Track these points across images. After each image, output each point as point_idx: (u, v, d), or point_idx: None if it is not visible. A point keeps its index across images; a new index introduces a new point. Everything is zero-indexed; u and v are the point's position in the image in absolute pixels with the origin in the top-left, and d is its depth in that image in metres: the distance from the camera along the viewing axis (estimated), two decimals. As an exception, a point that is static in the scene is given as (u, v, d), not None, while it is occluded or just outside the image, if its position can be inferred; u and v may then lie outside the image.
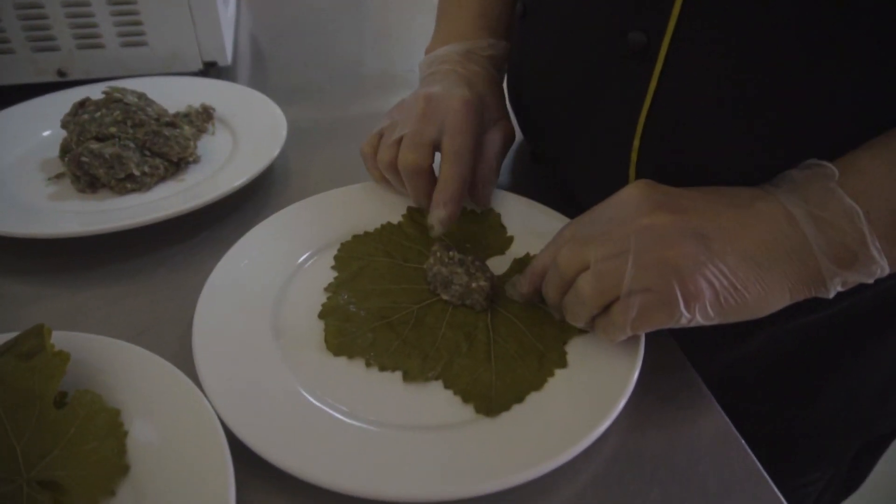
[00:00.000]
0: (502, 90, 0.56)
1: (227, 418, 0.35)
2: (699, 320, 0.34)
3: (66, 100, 0.60)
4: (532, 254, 0.47)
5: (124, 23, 0.70)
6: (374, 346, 0.41)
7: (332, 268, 0.47)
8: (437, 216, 0.46)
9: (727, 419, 0.39)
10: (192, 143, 0.58)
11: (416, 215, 0.51)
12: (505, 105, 0.55)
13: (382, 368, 0.40)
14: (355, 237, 0.49)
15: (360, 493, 0.32)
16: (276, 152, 0.58)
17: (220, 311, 0.42)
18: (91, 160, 0.53)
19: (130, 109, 0.56)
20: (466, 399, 0.38)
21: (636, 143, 0.42)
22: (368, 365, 0.40)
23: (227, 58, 0.75)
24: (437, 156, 0.48)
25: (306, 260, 0.48)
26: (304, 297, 0.44)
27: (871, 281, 0.35)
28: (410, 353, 0.40)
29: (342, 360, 0.40)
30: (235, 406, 0.36)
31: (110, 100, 0.56)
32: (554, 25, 0.47)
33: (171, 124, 0.58)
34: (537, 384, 0.38)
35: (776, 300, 0.35)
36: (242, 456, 0.34)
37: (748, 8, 0.35)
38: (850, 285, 0.35)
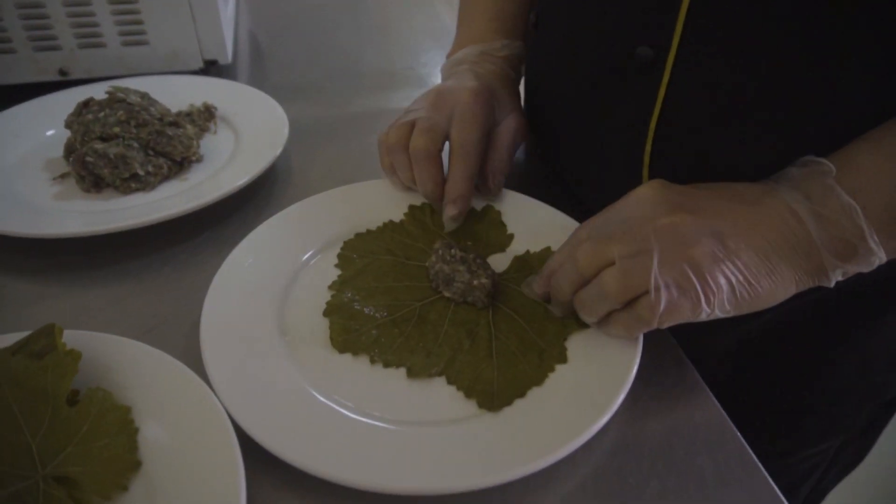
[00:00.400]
0: (517, 87, 0.58)
1: (235, 414, 0.35)
2: (717, 314, 0.36)
3: (68, 99, 0.60)
4: (532, 251, 0.48)
5: (125, 22, 0.70)
6: (379, 343, 0.42)
7: (336, 265, 0.47)
8: (449, 213, 0.48)
9: (723, 412, 0.40)
10: (195, 142, 0.59)
11: (418, 213, 0.51)
12: (518, 101, 0.57)
13: (387, 365, 0.41)
14: (358, 235, 0.50)
15: (368, 486, 0.33)
16: (278, 151, 0.58)
17: (227, 310, 0.42)
18: (96, 160, 0.54)
19: (134, 109, 0.56)
20: (469, 394, 0.39)
21: (648, 147, 0.44)
22: (373, 361, 0.41)
23: (227, 56, 0.75)
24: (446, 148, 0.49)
25: (310, 258, 0.48)
26: (309, 295, 0.45)
27: (870, 270, 0.37)
28: (414, 349, 0.41)
29: (347, 357, 0.41)
30: (244, 402, 0.36)
31: (114, 100, 0.56)
32: (565, 37, 0.49)
33: (174, 124, 0.58)
34: (538, 379, 0.39)
35: (784, 292, 0.37)
36: (251, 451, 0.34)
37: (747, 23, 0.37)
38: (851, 274, 0.37)
